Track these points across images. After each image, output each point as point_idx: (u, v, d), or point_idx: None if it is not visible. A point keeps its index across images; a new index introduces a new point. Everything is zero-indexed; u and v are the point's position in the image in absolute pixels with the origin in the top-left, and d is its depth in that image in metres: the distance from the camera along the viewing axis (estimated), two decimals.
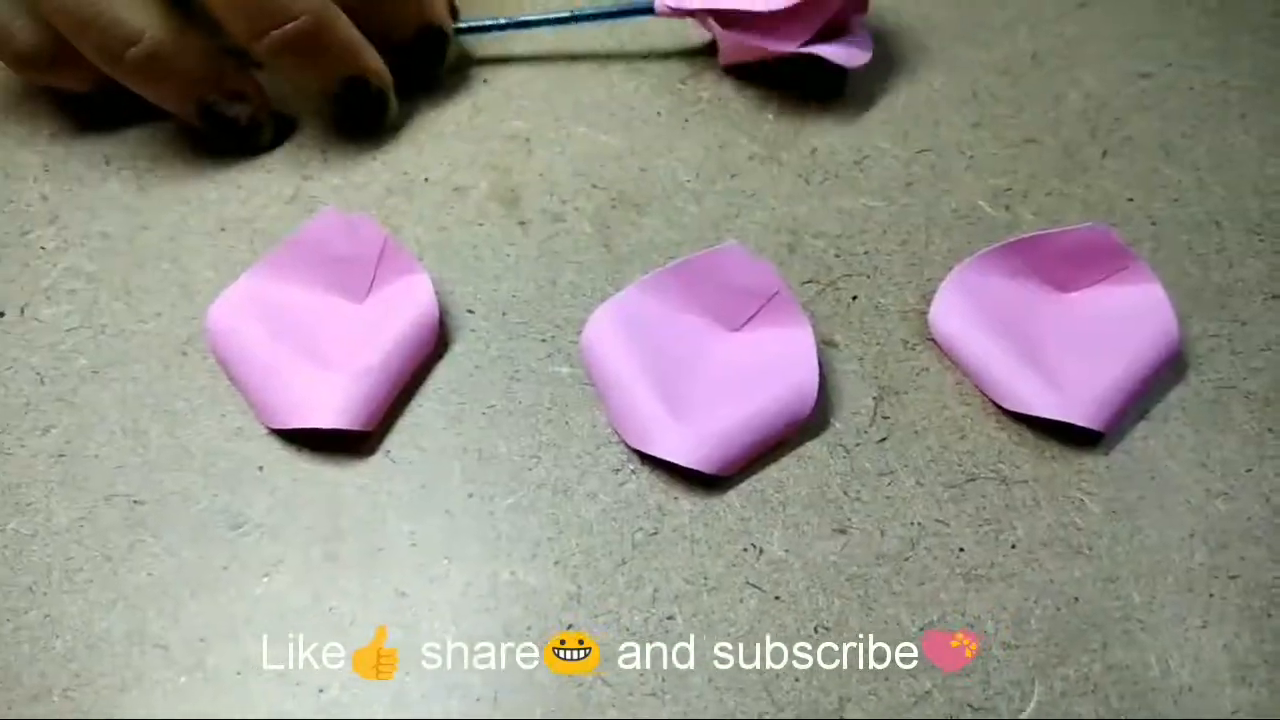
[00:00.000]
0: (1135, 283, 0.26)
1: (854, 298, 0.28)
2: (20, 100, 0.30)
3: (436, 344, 0.26)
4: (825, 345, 0.27)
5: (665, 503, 0.24)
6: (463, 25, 0.31)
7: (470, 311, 0.27)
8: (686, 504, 0.24)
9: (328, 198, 0.29)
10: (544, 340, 0.27)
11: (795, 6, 0.29)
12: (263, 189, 0.29)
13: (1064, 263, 0.27)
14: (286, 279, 0.26)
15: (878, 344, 0.27)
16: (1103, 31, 0.34)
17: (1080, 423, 0.24)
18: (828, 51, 0.30)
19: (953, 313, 0.26)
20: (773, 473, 0.25)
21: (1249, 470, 0.25)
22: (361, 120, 0.29)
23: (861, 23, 0.32)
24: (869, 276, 0.28)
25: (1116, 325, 0.26)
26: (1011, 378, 0.25)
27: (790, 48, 0.30)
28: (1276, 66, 0.33)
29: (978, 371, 0.26)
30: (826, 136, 0.31)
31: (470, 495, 0.24)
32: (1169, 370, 0.26)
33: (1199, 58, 0.33)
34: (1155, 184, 0.30)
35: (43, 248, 0.27)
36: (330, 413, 0.24)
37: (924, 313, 0.27)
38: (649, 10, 0.30)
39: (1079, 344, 0.26)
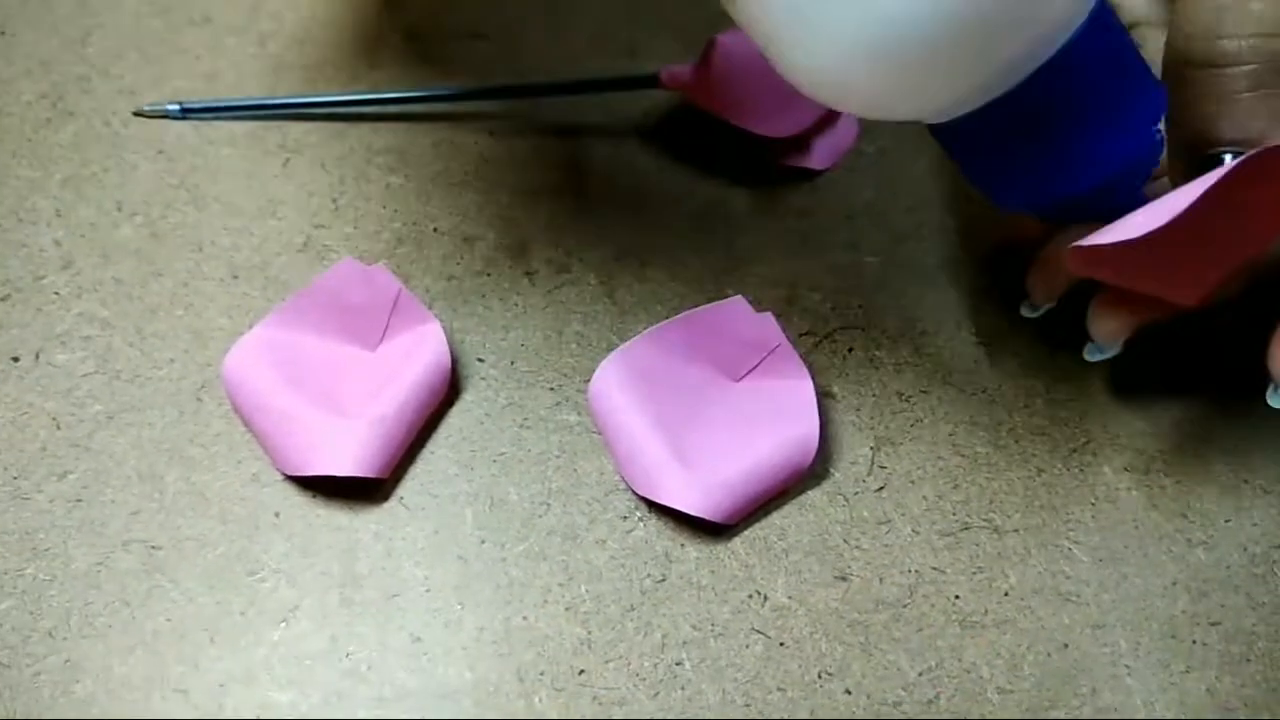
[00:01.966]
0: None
1: (850, 349, 0.29)
2: (34, 144, 0.30)
3: (448, 392, 0.27)
4: (824, 396, 0.28)
5: (672, 550, 0.25)
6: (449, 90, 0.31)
7: (480, 360, 0.28)
8: (693, 551, 0.25)
9: (339, 246, 0.29)
10: (552, 389, 0.27)
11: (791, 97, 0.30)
12: (275, 237, 0.29)
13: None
14: (301, 327, 0.27)
15: (874, 395, 0.28)
16: None
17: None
18: (812, 160, 0.31)
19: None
20: (776, 520, 0.25)
21: (1227, 521, 0.26)
22: None
23: None
24: (864, 329, 0.29)
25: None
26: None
27: (780, 134, 0.31)
28: None
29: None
30: (820, 192, 0.32)
31: (483, 541, 0.25)
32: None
33: None
34: None
35: (56, 293, 0.28)
36: (346, 460, 0.25)
37: (917, 366, 0.28)
38: (654, 82, 0.31)
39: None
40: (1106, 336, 0.26)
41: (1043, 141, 0.22)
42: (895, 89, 0.21)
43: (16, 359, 0.27)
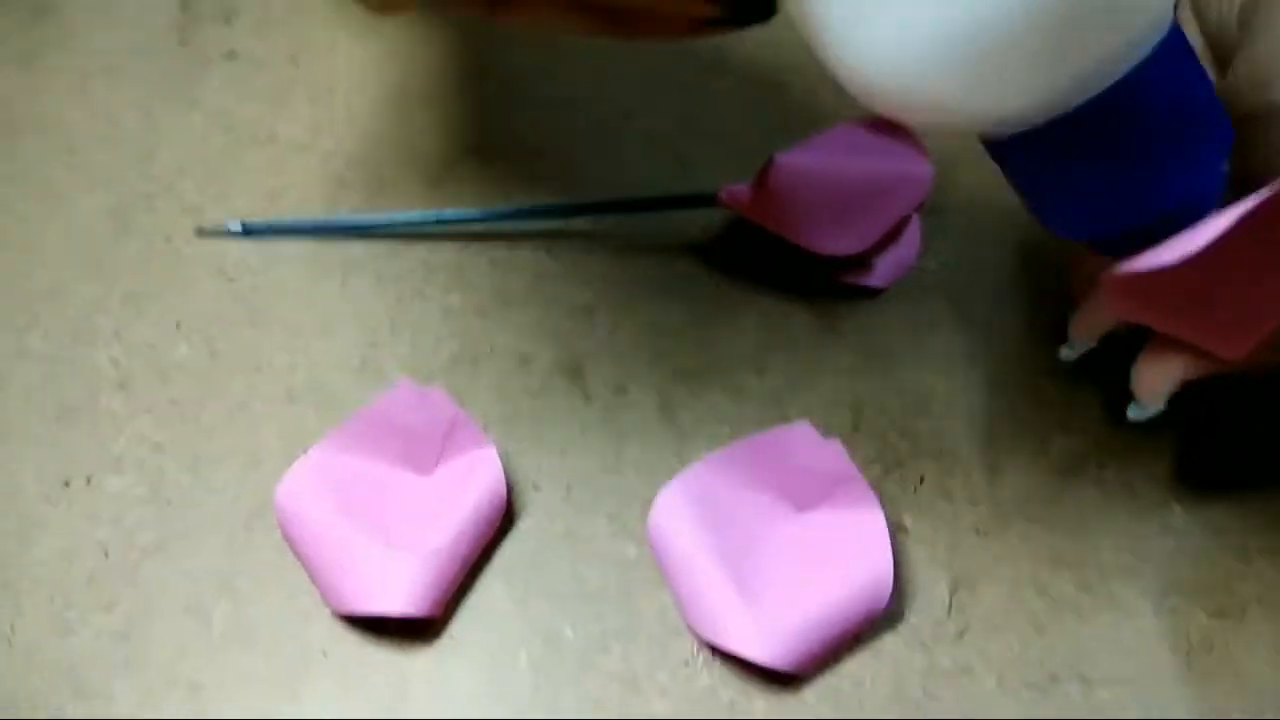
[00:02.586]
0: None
1: (921, 479, 0.27)
2: (96, 261, 0.30)
3: (504, 520, 0.26)
4: (895, 529, 0.26)
5: (738, 700, 0.23)
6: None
7: (536, 488, 0.27)
8: (761, 702, 0.23)
9: (395, 367, 0.29)
10: (610, 517, 0.26)
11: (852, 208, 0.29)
12: (332, 357, 0.29)
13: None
14: (356, 451, 0.26)
15: (948, 529, 0.26)
16: None
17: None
18: (874, 278, 0.31)
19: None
20: (849, 668, 0.24)
21: None
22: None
23: (916, 220, 0.32)
24: (935, 457, 0.28)
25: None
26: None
27: (842, 253, 0.30)
28: None
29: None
30: (884, 309, 0.31)
31: (537, 688, 0.24)
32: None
33: None
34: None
35: (111, 414, 0.28)
36: (398, 598, 0.24)
37: (994, 497, 0.27)
38: (712, 201, 0.31)
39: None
40: (1147, 389, 0.25)
41: (1108, 166, 0.21)
42: (965, 86, 0.20)
43: (68, 483, 0.26)
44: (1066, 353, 0.27)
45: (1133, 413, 0.25)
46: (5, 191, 0.32)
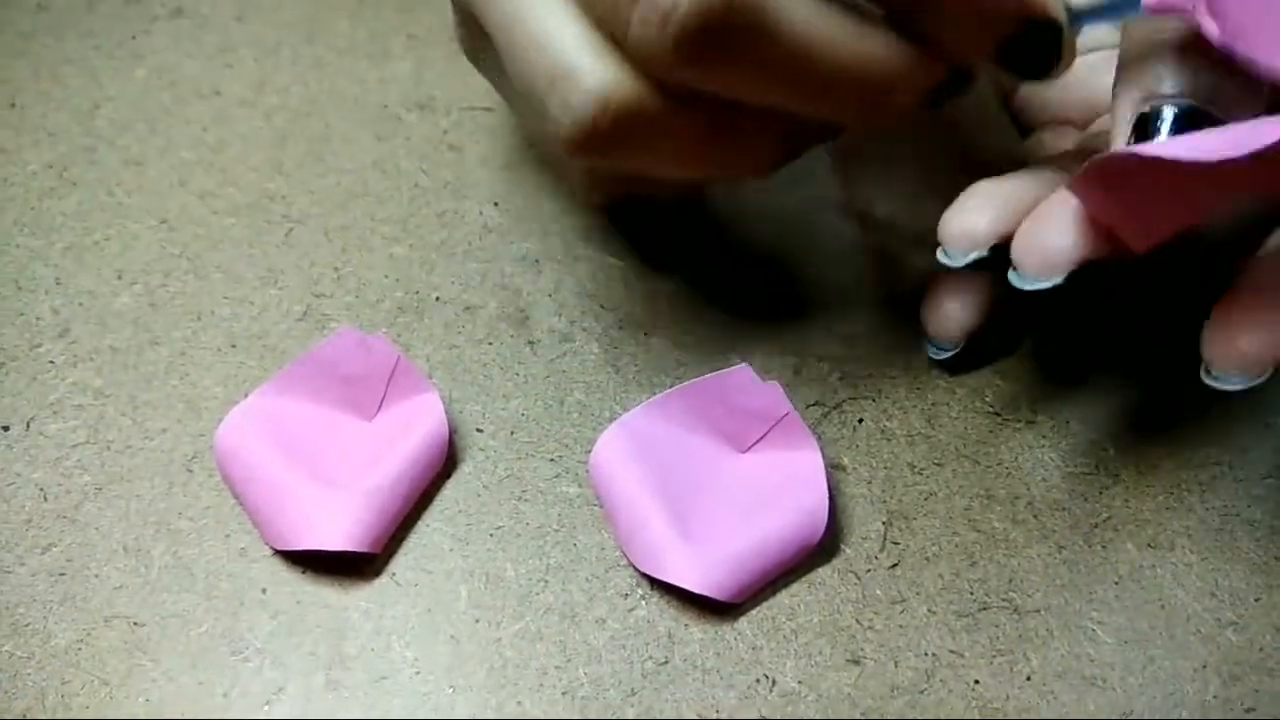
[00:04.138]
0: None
1: (860, 420, 0.28)
2: (37, 213, 0.30)
3: (445, 463, 0.26)
4: (833, 468, 0.27)
5: (676, 630, 0.24)
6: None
7: (479, 430, 0.27)
8: (697, 631, 0.24)
9: (339, 315, 0.29)
10: (552, 460, 0.27)
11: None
12: (274, 306, 0.29)
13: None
14: (296, 396, 0.26)
15: (885, 468, 0.27)
16: None
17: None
18: None
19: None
20: (784, 599, 0.24)
21: (1257, 600, 0.25)
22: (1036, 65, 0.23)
23: None
24: (874, 400, 0.28)
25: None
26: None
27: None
28: None
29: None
30: (828, 260, 0.31)
31: (477, 621, 0.24)
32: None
33: None
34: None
35: (51, 361, 0.27)
36: (337, 534, 0.24)
37: (930, 437, 0.27)
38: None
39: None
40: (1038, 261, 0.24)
41: None
42: None
43: (7, 428, 0.26)
44: (935, 354, 0.28)
45: (933, 354, 0.28)
46: None
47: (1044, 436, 0.28)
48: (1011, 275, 0.24)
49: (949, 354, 0.28)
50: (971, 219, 0.25)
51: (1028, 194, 0.25)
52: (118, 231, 0.30)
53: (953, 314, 0.27)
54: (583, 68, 0.21)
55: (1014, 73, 0.23)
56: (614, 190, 0.28)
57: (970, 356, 0.28)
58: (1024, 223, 0.24)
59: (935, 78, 0.23)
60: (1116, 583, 0.25)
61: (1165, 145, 0.20)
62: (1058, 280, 0.23)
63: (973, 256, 0.25)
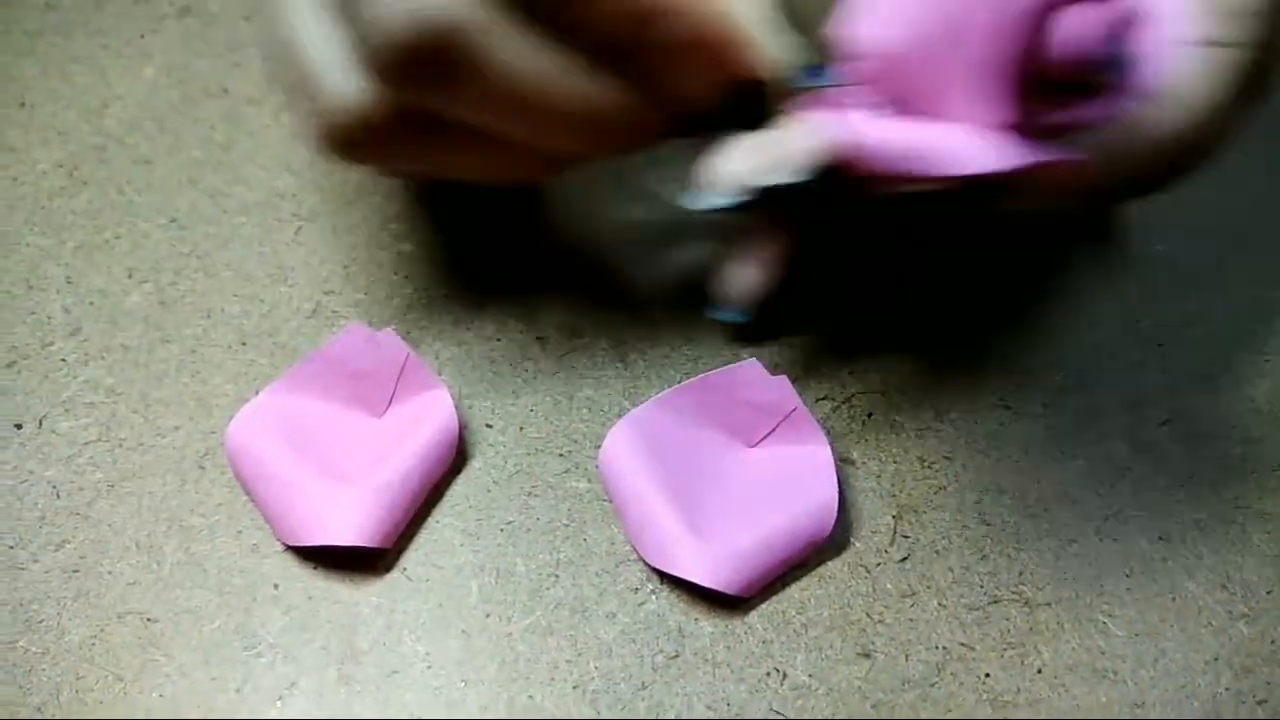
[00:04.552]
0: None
1: (869, 414, 0.28)
2: (47, 212, 0.30)
3: (455, 459, 0.26)
4: (842, 463, 0.27)
5: (686, 624, 0.24)
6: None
7: (489, 426, 0.27)
8: (708, 625, 0.24)
9: (349, 313, 0.29)
10: (562, 455, 0.27)
11: None
12: (284, 303, 0.29)
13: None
14: (307, 393, 0.26)
15: (894, 461, 0.27)
16: None
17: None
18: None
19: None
20: (794, 593, 0.24)
21: (1269, 592, 0.25)
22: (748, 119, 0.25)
23: None
24: (883, 394, 0.28)
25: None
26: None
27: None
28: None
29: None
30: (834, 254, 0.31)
31: (487, 615, 0.24)
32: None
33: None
34: (1162, 306, 0.31)
35: (63, 360, 0.28)
36: (348, 529, 0.24)
37: (940, 431, 0.27)
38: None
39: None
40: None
41: None
42: None
43: (20, 426, 0.26)
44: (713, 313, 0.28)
45: (721, 317, 0.28)
46: None
47: (1053, 429, 0.28)
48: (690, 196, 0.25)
49: (734, 318, 0.28)
50: (734, 164, 0.25)
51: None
52: (128, 230, 0.30)
53: (745, 279, 0.27)
54: (328, 79, 0.23)
55: (733, 124, 0.24)
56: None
57: (760, 327, 0.29)
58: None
59: (660, 121, 0.25)
60: (1127, 576, 0.25)
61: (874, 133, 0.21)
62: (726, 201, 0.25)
63: (735, 199, 0.24)
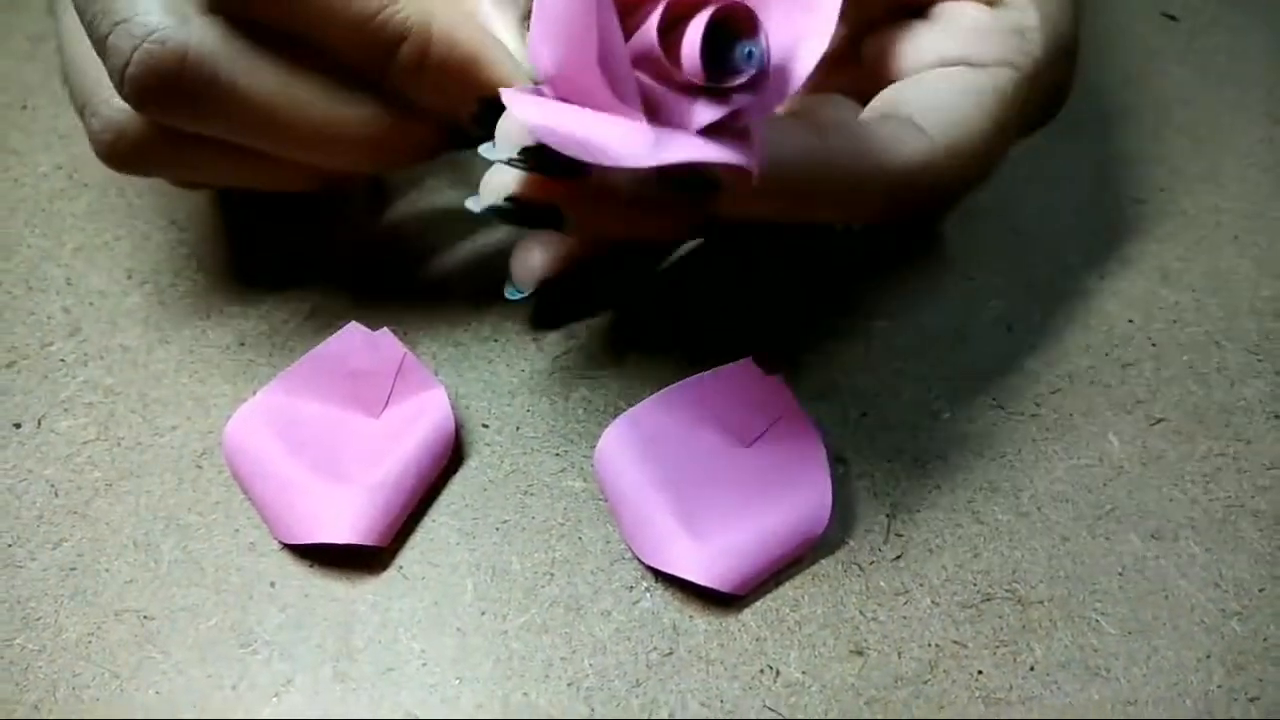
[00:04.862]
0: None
1: (863, 414, 0.28)
2: (48, 214, 0.31)
3: (451, 458, 0.26)
4: (836, 461, 0.27)
5: (680, 621, 0.24)
6: None
7: (485, 426, 0.27)
8: (702, 623, 0.24)
9: (347, 313, 0.29)
10: (558, 455, 0.27)
11: None
12: (283, 304, 0.29)
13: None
14: (304, 393, 0.26)
15: (888, 461, 0.27)
16: (1092, 157, 0.35)
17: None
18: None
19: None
20: (788, 591, 0.24)
21: (1262, 590, 0.25)
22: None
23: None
24: (877, 394, 0.28)
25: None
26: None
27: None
28: (1265, 189, 0.34)
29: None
30: (829, 255, 0.32)
31: (483, 613, 0.24)
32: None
33: (1189, 182, 0.35)
34: (1153, 306, 0.31)
35: (62, 360, 0.28)
36: (344, 528, 0.24)
37: (933, 430, 0.28)
38: None
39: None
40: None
41: None
42: None
43: (19, 425, 0.27)
44: (511, 294, 0.28)
45: (510, 294, 0.28)
46: None
47: (1047, 429, 0.28)
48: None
49: (521, 297, 0.28)
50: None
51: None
52: (128, 232, 0.30)
53: (533, 259, 0.28)
54: (100, 98, 0.24)
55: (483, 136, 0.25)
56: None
57: (550, 313, 0.29)
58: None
59: (424, 138, 0.26)
60: (1120, 574, 0.25)
61: (536, 112, 0.21)
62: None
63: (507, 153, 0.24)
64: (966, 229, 0.32)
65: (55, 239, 0.30)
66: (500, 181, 0.25)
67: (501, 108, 0.23)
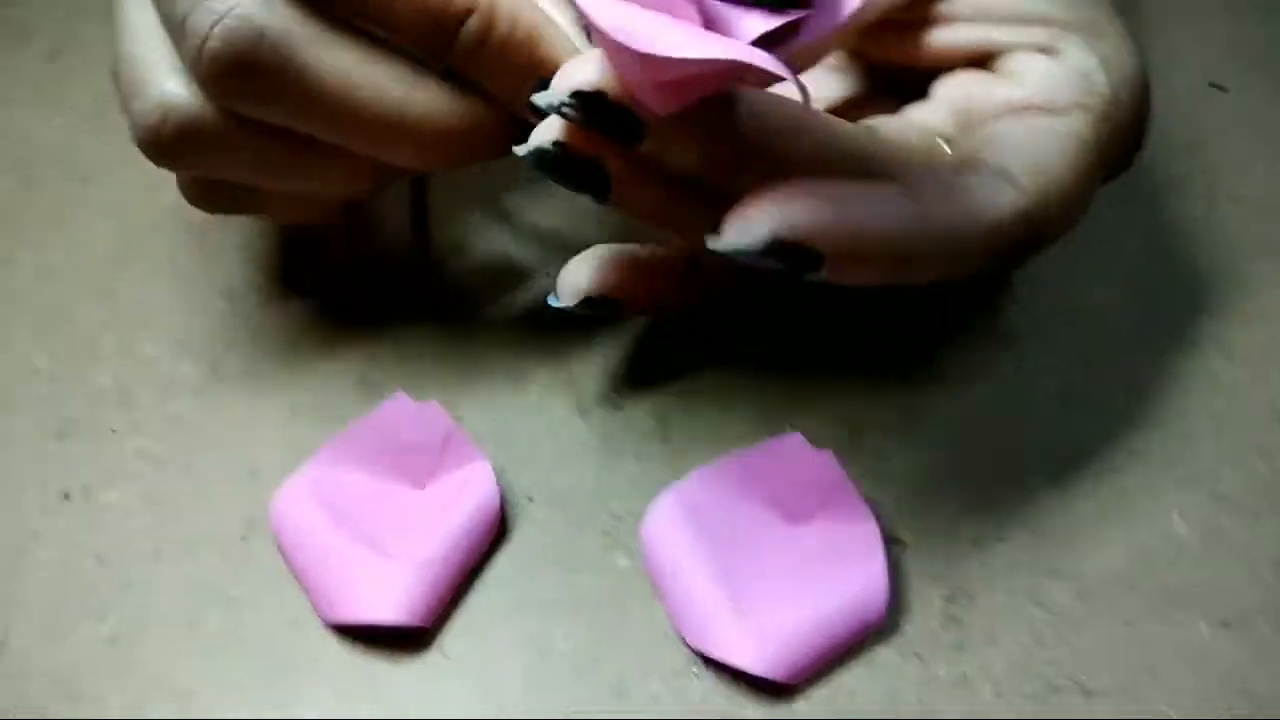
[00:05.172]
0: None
1: (916, 492, 0.27)
2: (103, 284, 0.31)
3: (496, 534, 0.26)
4: (891, 542, 0.26)
5: (731, 709, 0.23)
6: None
7: (530, 500, 0.27)
8: (753, 712, 0.23)
9: (394, 382, 0.29)
10: (604, 531, 0.26)
11: None
12: (332, 373, 0.29)
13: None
14: (351, 465, 0.26)
15: (945, 541, 0.26)
16: (1145, 228, 0.35)
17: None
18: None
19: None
20: (843, 680, 0.24)
21: None
22: None
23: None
24: (930, 470, 0.28)
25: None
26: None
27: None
28: None
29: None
30: (884, 328, 0.31)
31: (528, 695, 0.23)
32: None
33: (1245, 252, 0.34)
34: (1212, 379, 0.30)
35: (113, 430, 0.28)
36: (388, 607, 0.24)
37: (990, 509, 0.27)
38: None
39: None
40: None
41: None
42: None
43: (68, 496, 0.27)
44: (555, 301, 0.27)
45: (551, 301, 0.27)
46: (20, 218, 0.33)
47: (1108, 508, 0.27)
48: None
49: (559, 306, 0.27)
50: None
51: None
52: (181, 302, 0.31)
53: (580, 273, 0.27)
54: (152, 82, 0.24)
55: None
56: (215, 202, 0.28)
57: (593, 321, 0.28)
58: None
59: (493, 130, 0.26)
60: (1189, 664, 0.24)
61: (599, 6, 0.19)
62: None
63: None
64: (1021, 303, 0.32)
65: (110, 308, 0.31)
66: (550, 126, 0.24)
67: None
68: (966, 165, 0.24)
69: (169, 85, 0.24)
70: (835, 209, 0.21)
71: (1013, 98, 0.26)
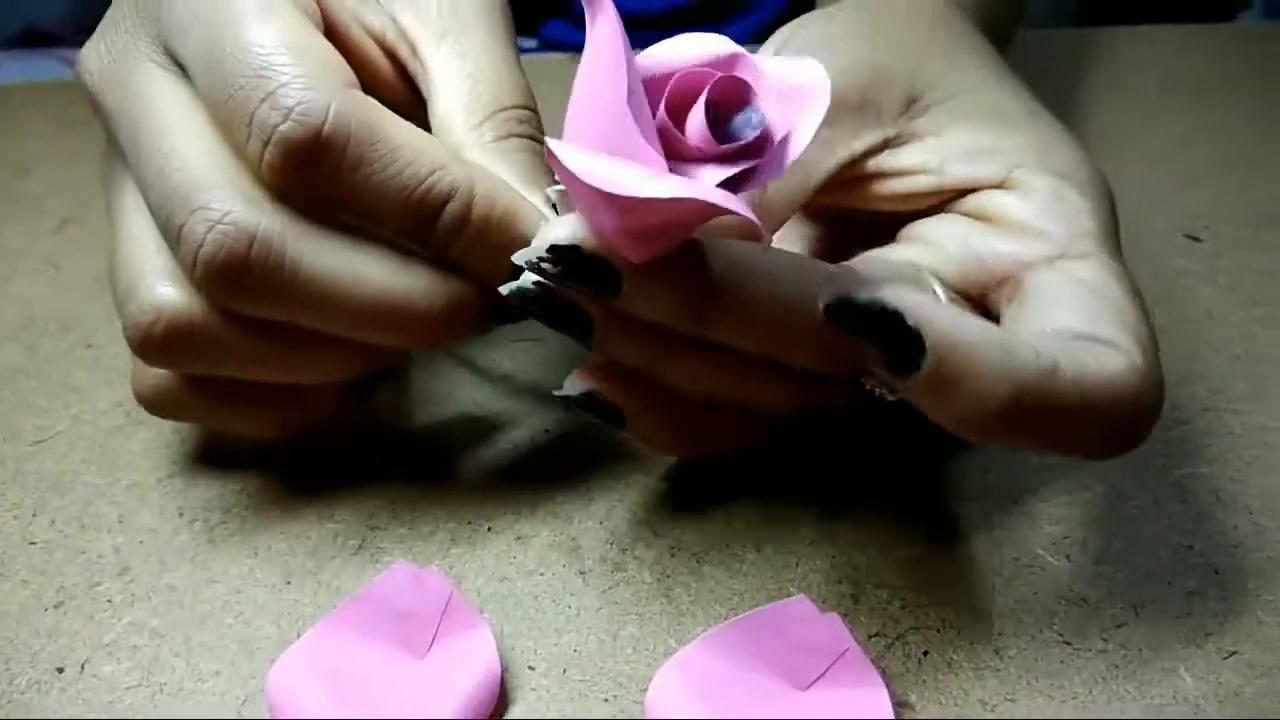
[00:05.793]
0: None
1: (925, 653, 0.27)
2: (104, 451, 0.31)
3: (497, 705, 0.25)
4: (899, 705, 0.26)
5: None
6: None
7: (530, 668, 0.27)
8: None
9: (393, 548, 0.29)
10: (607, 700, 0.26)
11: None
12: (330, 540, 0.29)
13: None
14: (349, 635, 0.26)
15: (955, 704, 0.26)
16: None
17: None
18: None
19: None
20: None
21: None
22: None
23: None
24: (938, 630, 0.27)
25: None
26: None
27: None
28: None
29: None
30: (883, 489, 0.31)
31: None
32: None
33: (1233, 401, 0.35)
34: (1211, 530, 0.30)
35: (109, 600, 0.28)
36: None
37: (999, 670, 0.26)
38: None
39: None
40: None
41: None
42: None
43: (61, 670, 0.26)
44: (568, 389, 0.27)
45: (560, 391, 0.27)
46: (24, 386, 0.33)
47: (1116, 665, 0.27)
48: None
49: (563, 395, 0.27)
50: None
51: None
52: (181, 469, 0.31)
53: (588, 373, 0.27)
54: (146, 286, 0.25)
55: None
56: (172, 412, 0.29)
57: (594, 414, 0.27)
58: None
59: (474, 308, 0.27)
60: None
61: (575, 157, 0.21)
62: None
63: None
64: (1013, 455, 0.32)
65: (110, 476, 0.31)
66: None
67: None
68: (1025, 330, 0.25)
69: (161, 289, 0.25)
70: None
71: (1020, 253, 0.26)
